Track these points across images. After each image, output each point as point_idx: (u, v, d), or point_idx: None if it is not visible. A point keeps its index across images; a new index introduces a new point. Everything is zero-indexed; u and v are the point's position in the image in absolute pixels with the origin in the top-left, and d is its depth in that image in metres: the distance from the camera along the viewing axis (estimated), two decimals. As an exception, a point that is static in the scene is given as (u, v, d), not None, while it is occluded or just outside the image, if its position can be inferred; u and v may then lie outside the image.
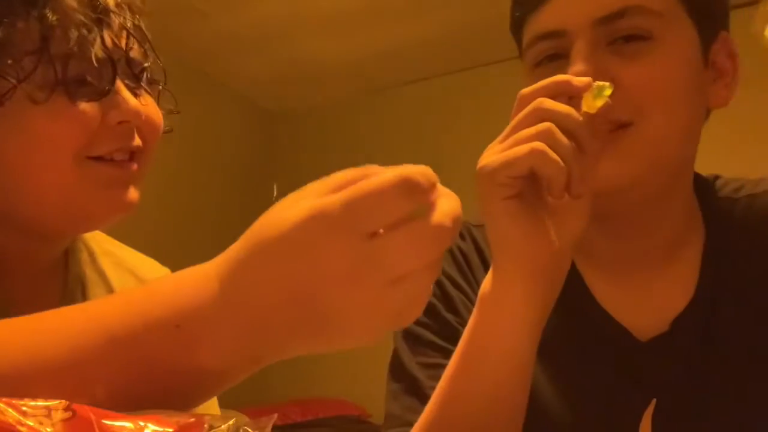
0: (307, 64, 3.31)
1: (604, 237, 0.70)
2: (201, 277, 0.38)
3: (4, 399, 0.30)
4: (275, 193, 3.69)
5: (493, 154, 0.55)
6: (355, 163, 0.40)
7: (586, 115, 0.56)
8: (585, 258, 0.72)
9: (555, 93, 0.56)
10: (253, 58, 3.26)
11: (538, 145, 0.53)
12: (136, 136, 0.63)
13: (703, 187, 0.72)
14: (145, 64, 0.65)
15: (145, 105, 0.64)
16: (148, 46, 0.66)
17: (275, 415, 0.37)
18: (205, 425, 0.34)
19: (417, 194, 0.36)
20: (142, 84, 0.65)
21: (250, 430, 0.35)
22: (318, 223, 0.34)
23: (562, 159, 0.53)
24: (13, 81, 0.56)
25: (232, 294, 0.37)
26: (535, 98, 0.55)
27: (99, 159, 0.61)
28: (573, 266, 0.71)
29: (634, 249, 0.69)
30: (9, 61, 0.56)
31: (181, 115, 0.72)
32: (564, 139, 0.53)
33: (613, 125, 0.61)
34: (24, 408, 0.30)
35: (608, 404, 0.67)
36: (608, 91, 0.56)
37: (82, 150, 0.59)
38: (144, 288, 0.44)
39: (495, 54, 2.92)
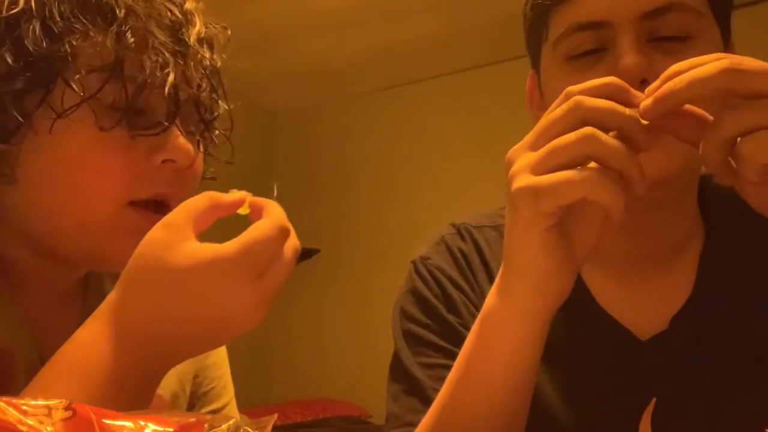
0: (307, 64, 3.31)
1: (616, 235, 0.69)
2: (103, 338, 0.45)
3: (4, 398, 0.30)
4: (275, 193, 3.68)
5: (529, 167, 0.48)
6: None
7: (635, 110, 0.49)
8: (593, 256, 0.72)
9: (608, 97, 0.48)
10: (253, 58, 3.25)
11: (593, 175, 0.46)
12: (178, 182, 0.58)
13: (704, 184, 0.72)
14: (216, 113, 0.62)
15: (196, 152, 0.59)
16: (221, 92, 0.62)
17: (275, 415, 0.37)
18: (206, 425, 0.34)
19: (287, 235, 0.48)
20: (206, 130, 0.61)
21: (250, 430, 0.35)
22: (219, 266, 0.44)
23: (615, 164, 0.47)
24: (80, 94, 0.52)
25: (136, 339, 0.45)
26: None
27: (142, 203, 0.56)
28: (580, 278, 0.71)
29: (644, 247, 0.69)
30: (77, 76, 0.52)
31: (217, 144, 0.69)
32: (611, 142, 0.47)
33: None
34: (24, 407, 0.30)
35: (608, 403, 0.67)
36: None
37: (126, 187, 0.55)
38: (76, 377, 0.45)
39: (495, 55, 2.92)
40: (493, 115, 3.09)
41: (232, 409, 0.74)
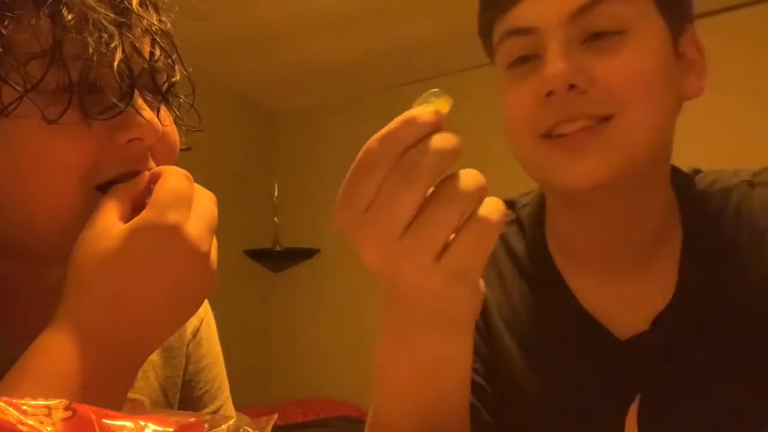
0: (307, 64, 3.31)
1: (583, 228, 0.70)
2: (63, 341, 0.45)
3: (4, 398, 0.30)
4: (275, 193, 3.69)
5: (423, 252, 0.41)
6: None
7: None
8: (565, 256, 0.72)
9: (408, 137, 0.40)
10: (253, 58, 3.26)
11: (486, 228, 0.41)
12: (150, 158, 0.55)
13: (682, 182, 0.72)
14: (173, 79, 0.57)
15: (165, 124, 0.55)
16: (176, 56, 0.58)
17: (275, 416, 0.37)
18: (205, 425, 0.34)
19: (189, 179, 0.50)
20: (165, 100, 0.57)
21: (250, 430, 0.35)
22: (143, 232, 0.47)
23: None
24: (19, 89, 0.48)
25: (96, 338, 0.46)
26: (391, 149, 0.40)
27: (109, 186, 0.53)
28: (553, 265, 0.72)
29: (613, 242, 0.69)
30: (15, 66, 0.48)
31: (180, 116, 0.64)
32: (470, 187, 0.40)
33: (594, 120, 0.61)
34: (24, 407, 0.30)
35: (592, 400, 0.67)
36: (440, 99, 0.42)
37: (88, 174, 0.51)
38: (36, 376, 0.44)
39: (495, 54, 2.91)
40: (493, 115, 3.09)
41: (228, 410, 0.73)
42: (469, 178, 0.41)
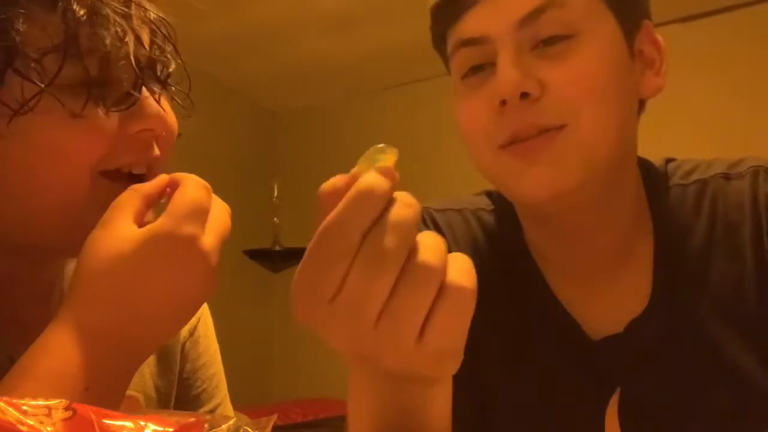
0: (307, 64, 3.31)
1: (549, 239, 0.69)
2: (66, 341, 0.45)
3: (4, 398, 0.30)
4: (275, 193, 3.69)
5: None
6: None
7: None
8: (542, 259, 0.71)
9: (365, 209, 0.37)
10: (253, 58, 3.26)
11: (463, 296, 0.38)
12: (155, 145, 0.56)
13: (653, 179, 0.70)
14: (171, 68, 0.59)
15: (165, 112, 0.57)
16: (170, 46, 0.58)
17: (275, 416, 0.37)
18: (205, 425, 0.34)
19: (209, 191, 0.50)
20: (165, 89, 0.58)
21: (250, 430, 0.35)
22: (159, 238, 0.46)
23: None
24: (39, 84, 0.48)
25: (99, 338, 0.46)
26: (351, 237, 0.37)
27: (115, 172, 0.54)
28: (534, 264, 0.71)
29: (582, 250, 0.68)
30: (32, 64, 0.48)
31: (180, 115, 0.64)
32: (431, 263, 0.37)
33: (544, 130, 0.60)
34: (24, 407, 0.30)
35: (570, 397, 0.67)
36: (387, 154, 0.39)
37: (98, 163, 0.52)
38: (40, 377, 0.44)
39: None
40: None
41: (226, 409, 0.73)
42: (431, 247, 0.37)
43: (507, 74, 0.60)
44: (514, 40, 0.61)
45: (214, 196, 0.52)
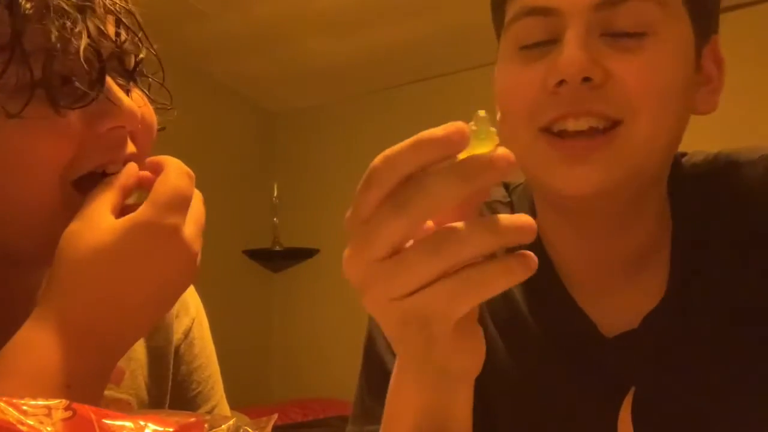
0: (307, 64, 3.31)
1: (570, 237, 0.67)
2: (45, 337, 0.44)
3: (4, 398, 0.30)
4: (275, 193, 3.69)
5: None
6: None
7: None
8: (557, 254, 0.69)
9: (426, 159, 0.38)
10: (253, 58, 3.26)
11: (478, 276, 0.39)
12: (129, 141, 0.53)
13: (673, 174, 0.68)
14: (140, 57, 0.55)
15: (139, 105, 0.53)
16: (141, 34, 0.55)
17: (275, 415, 0.37)
18: (206, 425, 0.34)
19: (191, 177, 0.50)
20: (134, 81, 0.55)
21: (250, 430, 0.35)
22: (139, 228, 0.46)
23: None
24: None
25: (80, 333, 0.45)
26: (401, 167, 0.38)
27: (88, 176, 0.51)
28: (549, 260, 0.69)
29: (603, 250, 0.66)
30: None
31: (180, 115, 0.62)
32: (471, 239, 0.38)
33: (603, 122, 0.58)
34: (24, 407, 0.30)
35: (582, 396, 0.66)
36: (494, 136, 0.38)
37: (68, 169, 0.49)
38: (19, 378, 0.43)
39: (494, 55, 2.91)
40: (493, 115, 3.08)
41: (223, 410, 0.72)
42: (477, 230, 0.37)
43: (573, 54, 0.56)
44: (587, 21, 0.57)
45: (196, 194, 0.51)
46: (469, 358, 0.46)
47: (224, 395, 0.73)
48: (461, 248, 0.37)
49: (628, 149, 0.58)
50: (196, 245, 0.48)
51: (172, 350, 0.68)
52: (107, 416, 0.32)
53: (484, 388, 0.68)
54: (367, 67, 3.35)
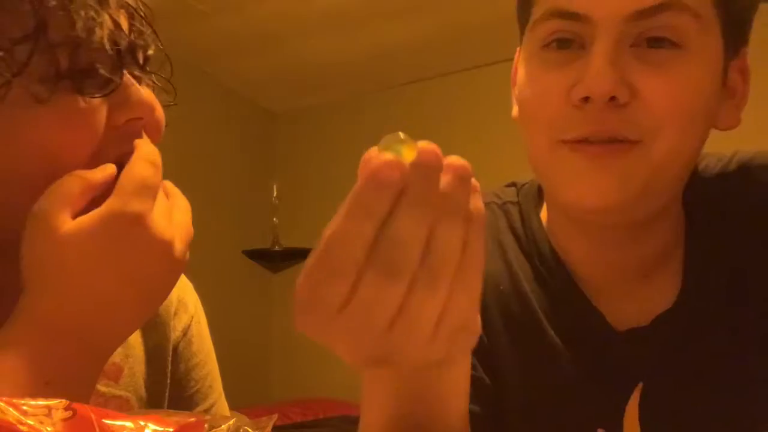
0: (307, 64, 3.31)
1: (588, 247, 0.67)
2: (23, 341, 0.44)
3: (4, 398, 0.30)
4: (275, 193, 3.69)
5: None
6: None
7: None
8: (571, 258, 0.69)
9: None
10: (253, 58, 3.26)
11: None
12: (144, 135, 0.54)
13: (689, 182, 0.67)
14: (150, 51, 0.55)
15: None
16: (150, 30, 0.55)
17: (275, 416, 0.37)
18: (206, 425, 0.34)
19: (156, 165, 0.49)
20: (146, 74, 0.56)
21: (250, 430, 0.35)
22: (104, 223, 0.45)
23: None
24: (7, 75, 0.45)
25: (59, 337, 0.45)
26: (361, 246, 0.34)
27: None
28: (560, 262, 0.69)
29: (617, 259, 0.66)
30: (1, 53, 0.45)
31: (180, 115, 0.63)
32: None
33: (617, 140, 0.57)
34: (24, 407, 0.30)
35: (590, 389, 0.66)
36: (407, 147, 0.36)
37: (91, 161, 0.49)
38: None
39: (494, 55, 2.91)
40: (493, 115, 3.09)
41: (221, 408, 0.72)
42: (448, 249, 0.35)
43: (602, 72, 0.54)
44: (618, 32, 0.55)
45: (177, 191, 0.51)
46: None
47: (223, 393, 0.73)
48: (447, 274, 0.35)
49: (642, 168, 0.56)
50: (167, 233, 0.47)
51: (171, 348, 0.68)
52: (107, 416, 0.32)
53: (492, 380, 0.68)
54: (367, 67, 3.35)
